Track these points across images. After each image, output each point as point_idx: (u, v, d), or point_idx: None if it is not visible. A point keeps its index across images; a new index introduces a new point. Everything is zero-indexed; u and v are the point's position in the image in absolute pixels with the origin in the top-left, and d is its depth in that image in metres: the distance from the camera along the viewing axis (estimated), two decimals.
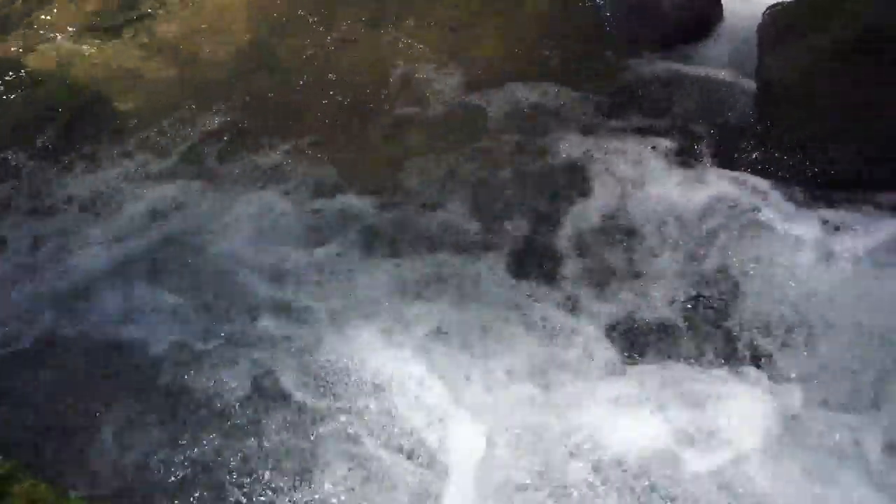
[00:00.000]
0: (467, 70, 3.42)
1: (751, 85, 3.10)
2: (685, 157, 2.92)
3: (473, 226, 2.80)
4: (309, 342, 2.46)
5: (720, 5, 3.49)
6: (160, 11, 3.84)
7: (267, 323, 2.56)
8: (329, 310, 2.56)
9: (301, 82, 3.49)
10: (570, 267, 2.61)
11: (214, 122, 3.32)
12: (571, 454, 2.12)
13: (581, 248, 2.68)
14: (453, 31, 3.62)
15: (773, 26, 3.19)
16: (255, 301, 2.63)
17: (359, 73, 3.51)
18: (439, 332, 2.46)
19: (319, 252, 2.76)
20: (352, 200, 2.96)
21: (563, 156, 2.98)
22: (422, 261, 2.68)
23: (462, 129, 3.19)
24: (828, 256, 2.49)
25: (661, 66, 3.29)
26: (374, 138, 3.23)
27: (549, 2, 3.68)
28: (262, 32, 3.72)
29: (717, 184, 2.77)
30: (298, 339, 2.47)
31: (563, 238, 2.72)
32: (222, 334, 2.53)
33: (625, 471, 2.09)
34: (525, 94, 3.27)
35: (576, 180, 2.90)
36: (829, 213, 2.62)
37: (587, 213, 2.79)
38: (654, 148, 2.93)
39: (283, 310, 2.58)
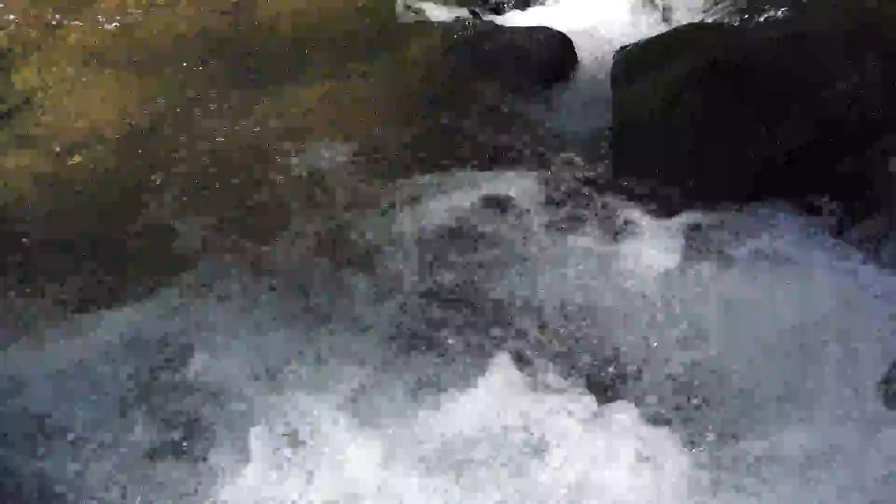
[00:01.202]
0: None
1: (607, 123, 3.13)
2: (547, 196, 2.88)
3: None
4: None
5: (573, 51, 3.56)
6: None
7: None
8: None
9: (171, 155, 3.29)
10: None
11: None
12: None
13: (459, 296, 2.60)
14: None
15: (625, 66, 3.28)
16: None
17: (227, 141, 3.35)
18: None
19: None
20: None
21: (442, 211, 2.91)
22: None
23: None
24: (682, 285, 2.49)
25: (517, 111, 3.30)
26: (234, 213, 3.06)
27: (422, 52, 3.71)
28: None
29: (573, 219, 2.76)
30: None
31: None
32: None
33: None
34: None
35: (446, 230, 2.84)
36: (679, 241, 2.64)
37: (440, 259, 2.72)
38: (516, 188, 2.89)
39: None
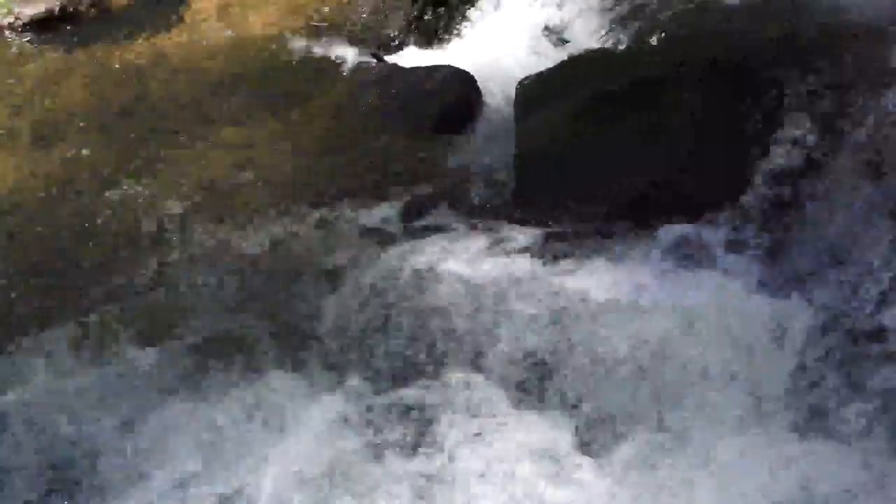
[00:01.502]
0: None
1: (508, 157, 3.12)
2: (451, 226, 2.87)
3: None
4: None
5: (477, 87, 3.57)
6: None
7: None
8: None
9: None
10: None
11: None
12: None
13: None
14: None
15: (526, 97, 3.29)
16: None
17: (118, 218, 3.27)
18: None
19: None
20: None
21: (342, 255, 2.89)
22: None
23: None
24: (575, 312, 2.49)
25: (420, 152, 3.29)
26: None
27: (326, 100, 3.70)
28: None
29: (473, 253, 2.73)
30: None
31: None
32: None
33: None
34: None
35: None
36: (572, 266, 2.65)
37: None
38: (419, 226, 2.87)
39: None
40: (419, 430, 2.38)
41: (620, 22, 3.59)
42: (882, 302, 2.24)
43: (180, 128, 3.68)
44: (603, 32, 3.63)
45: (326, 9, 4.46)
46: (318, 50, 4.05)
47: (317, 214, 3.09)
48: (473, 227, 2.86)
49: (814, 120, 2.74)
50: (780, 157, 2.74)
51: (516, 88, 3.38)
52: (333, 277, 2.80)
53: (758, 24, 3.17)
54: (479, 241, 2.74)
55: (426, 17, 4.06)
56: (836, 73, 2.83)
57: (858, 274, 2.32)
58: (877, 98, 2.65)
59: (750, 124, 2.85)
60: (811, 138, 2.72)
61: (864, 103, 2.68)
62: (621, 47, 3.43)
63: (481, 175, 3.14)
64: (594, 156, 2.90)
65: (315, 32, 4.22)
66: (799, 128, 2.75)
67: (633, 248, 2.67)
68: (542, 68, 3.42)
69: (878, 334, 2.22)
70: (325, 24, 4.32)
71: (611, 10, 3.69)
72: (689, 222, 2.72)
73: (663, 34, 3.36)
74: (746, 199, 2.74)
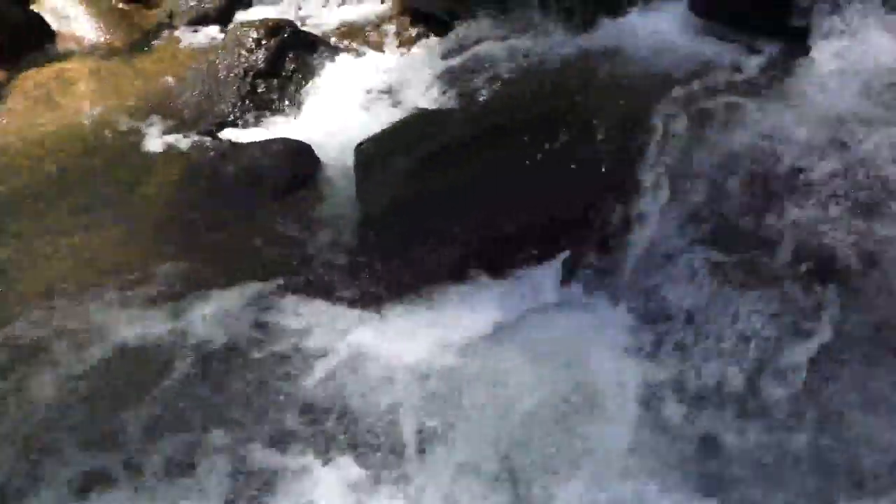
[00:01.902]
0: None
1: (353, 220, 3.10)
2: (298, 301, 2.80)
3: None
4: None
5: (314, 156, 3.52)
6: None
7: None
8: None
9: None
10: None
11: None
12: None
13: None
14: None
15: (364, 161, 3.28)
16: None
17: None
18: None
19: None
20: None
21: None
22: None
23: None
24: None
25: (260, 229, 3.20)
26: None
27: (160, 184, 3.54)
28: None
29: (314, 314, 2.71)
30: None
31: None
32: None
33: None
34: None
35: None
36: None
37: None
38: (263, 305, 2.78)
39: None
40: None
41: (451, 80, 3.67)
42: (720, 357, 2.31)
43: (9, 224, 3.43)
44: (436, 91, 3.69)
45: (155, 89, 4.34)
46: (149, 132, 3.91)
47: (160, 303, 2.93)
48: (323, 296, 2.80)
49: (648, 167, 2.83)
50: (625, 199, 2.83)
51: (355, 152, 3.37)
52: (176, 367, 2.65)
53: (581, 77, 3.33)
54: (327, 312, 2.68)
55: (259, 91, 4.00)
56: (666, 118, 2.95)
57: (708, 326, 2.38)
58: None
59: (588, 168, 2.95)
60: (651, 183, 2.82)
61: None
62: (453, 103, 3.49)
63: (326, 243, 3.07)
64: (436, 207, 2.93)
65: (145, 114, 4.08)
66: (637, 174, 2.83)
67: (483, 293, 2.69)
68: (377, 131, 3.44)
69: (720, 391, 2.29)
70: (155, 104, 4.19)
71: (442, 70, 3.77)
72: (536, 264, 2.77)
73: (494, 88, 3.46)
74: (590, 240, 2.82)
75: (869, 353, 2.22)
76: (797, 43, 3.09)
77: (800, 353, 2.21)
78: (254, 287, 2.93)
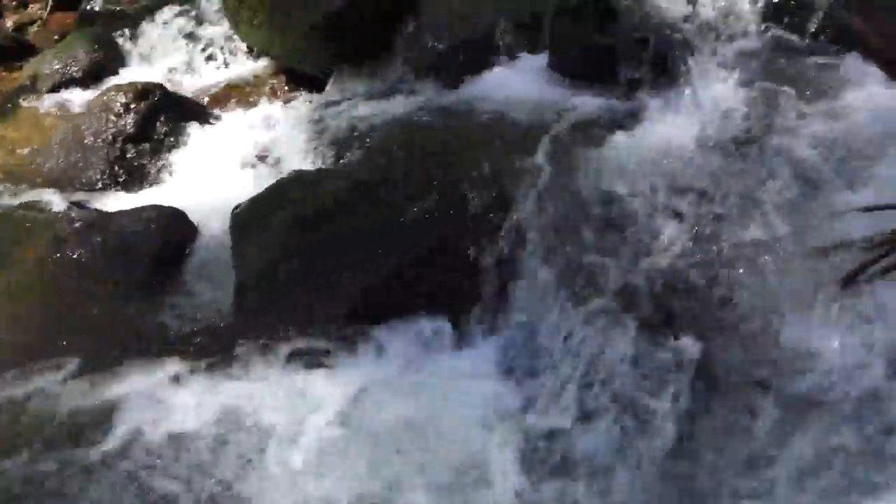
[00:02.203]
0: None
1: (228, 284, 3.05)
2: (170, 375, 2.74)
3: None
4: None
5: (189, 222, 3.47)
6: None
7: None
8: None
9: None
10: None
11: None
12: None
13: None
14: None
15: (240, 225, 3.25)
16: None
17: None
18: None
19: None
20: None
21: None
22: None
23: None
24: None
25: (139, 304, 3.12)
26: None
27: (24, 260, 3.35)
28: None
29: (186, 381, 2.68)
30: None
31: None
32: None
33: None
34: None
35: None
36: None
37: None
38: (132, 387, 2.68)
39: None
40: None
41: (326, 139, 3.70)
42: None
43: None
44: (311, 150, 3.72)
45: (17, 158, 4.20)
46: (11, 203, 3.76)
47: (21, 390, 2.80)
48: (194, 361, 2.75)
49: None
50: (496, 247, 2.92)
51: (231, 216, 3.34)
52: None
53: (450, 132, 3.44)
54: (198, 379, 2.64)
55: (129, 156, 3.92)
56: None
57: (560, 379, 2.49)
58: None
59: (459, 219, 3.02)
60: (520, 228, 2.92)
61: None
62: (328, 162, 3.53)
63: (202, 312, 3.03)
64: (312, 266, 2.93)
65: (7, 184, 3.94)
66: (506, 221, 2.94)
67: (360, 351, 2.72)
68: (255, 192, 3.43)
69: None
70: (18, 174, 4.05)
71: (317, 129, 3.80)
72: (412, 316, 2.81)
73: (367, 145, 3.51)
74: (464, 289, 2.89)
75: (725, 388, 2.37)
76: (645, 92, 3.34)
77: (664, 400, 2.34)
78: (116, 356, 2.87)
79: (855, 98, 3.14)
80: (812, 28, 3.57)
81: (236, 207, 3.33)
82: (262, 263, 3.03)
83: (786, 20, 3.60)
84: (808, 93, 3.31)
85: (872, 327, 2.34)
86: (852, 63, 3.32)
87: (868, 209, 2.67)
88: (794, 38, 3.69)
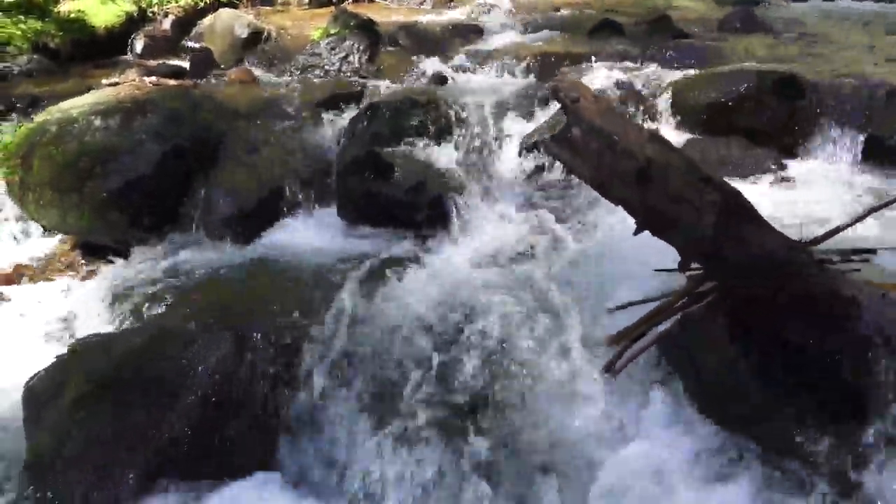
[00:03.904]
0: None
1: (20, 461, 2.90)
2: None
3: None
4: None
5: None
6: None
7: None
8: None
9: None
10: None
11: None
12: None
13: None
14: None
15: (34, 398, 3.12)
16: None
17: None
18: None
19: None
20: None
21: None
22: None
23: None
24: None
25: None
26: None
27: None
28: None
29: None
30: None
31: None
32: None
33: None
34: None
35: None
36: None
37: None
38: None
39: None
40: None
41: (124, 304, 3.70)
42: None
43: None
44: (109, 317, 3.69)
45: None
46: None
47: None
48: None
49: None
50: (302, 385, 3.02)
51: (23, 390, 3.22)
52: None
53: (246, 283, 3.57)
54: None
55: None
56: None
57: None
58: None
59: (262, 365, 3.09)
60: (326, 364, 3.05)
61: None
62: (126, 325, 3.53)
63: None
64: (108, 435, 2.84)
65: None
66: (310, 361, 3.06)
67: None
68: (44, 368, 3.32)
69: None
70: None
71: (115, 295, 3.79)
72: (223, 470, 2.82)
73: (166, 302, 3.55)
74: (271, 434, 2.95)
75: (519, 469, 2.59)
76: (424, 229, 3.71)
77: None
78: None
79: (598, 216, 3.69)
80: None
81: (30, 380, 3.22)
82: (56, 438, 2.88)
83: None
84: (564, 213, 3.84)
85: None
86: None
87: (621, 307, 3.08)
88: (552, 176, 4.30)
